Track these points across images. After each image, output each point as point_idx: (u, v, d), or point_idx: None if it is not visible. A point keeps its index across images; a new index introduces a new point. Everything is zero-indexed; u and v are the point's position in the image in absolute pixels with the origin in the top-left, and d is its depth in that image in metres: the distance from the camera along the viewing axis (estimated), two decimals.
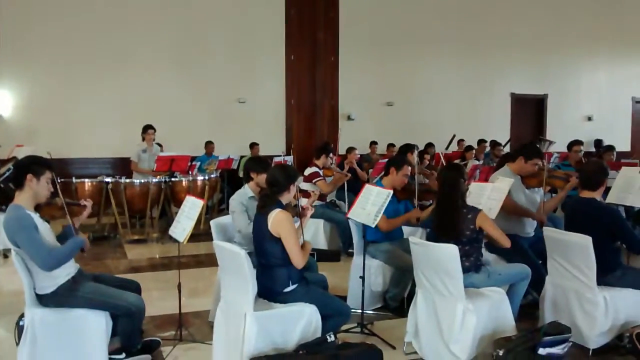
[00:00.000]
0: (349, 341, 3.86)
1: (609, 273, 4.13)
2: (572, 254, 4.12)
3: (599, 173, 4.32)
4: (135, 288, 4.01)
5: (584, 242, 3.98)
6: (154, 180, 8.08)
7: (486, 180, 5.89)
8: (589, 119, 15.06)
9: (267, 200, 3.76)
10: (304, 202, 4.51)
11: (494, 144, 11.53)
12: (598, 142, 14.07)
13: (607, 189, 4.96)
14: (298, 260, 3.65)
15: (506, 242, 4.12)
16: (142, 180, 8.05)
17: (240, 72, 11.79)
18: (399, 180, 5.09)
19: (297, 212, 4.05)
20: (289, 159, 10.43)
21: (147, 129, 8.68)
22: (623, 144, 15.10)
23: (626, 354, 3.97)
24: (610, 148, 8.83)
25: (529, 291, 4.59)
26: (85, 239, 3.71)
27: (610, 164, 7.74)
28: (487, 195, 4.66)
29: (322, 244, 6.96)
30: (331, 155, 7.51)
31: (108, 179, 8.01)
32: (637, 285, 4.17)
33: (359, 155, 10.13)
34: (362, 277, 4.52)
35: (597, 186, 4.28)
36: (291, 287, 3.70)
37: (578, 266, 4.08)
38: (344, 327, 4.22)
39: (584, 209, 4.28)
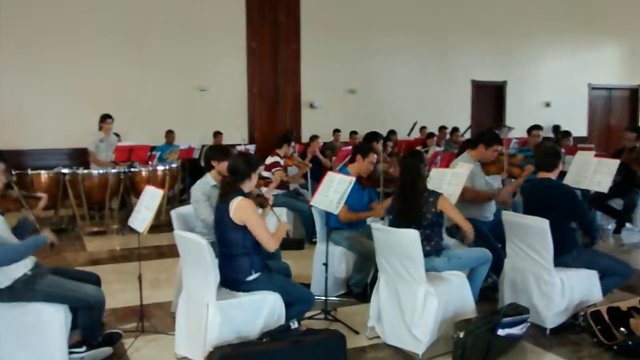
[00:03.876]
0: (313, 328, 3.87)
1: (565, 254, 4.24)
2: (530, 237, 4.22)
3: (552, 155, 4.43)
4: (95, 280, 3.95)
5: (541, 225, 4.08)
6: (113, 170, 7.94)
7: (447, 167, 5.96)
8: (547, 105, 15.34)
9: (228, 189, 3.73)
10: (264, 190, 4.50)
11: (453, 130, 11.75)
12: (556, 128, 14.39)
13: (564, 174, 5.08)
14: (269, 243, 3.63)
15: (467, 226, 4.19)
16: (101, 171, 7.90)
17: (200, 59, 11.61)
18: (365, 167, 5.12)
19: (260, 202, 4.03)
20: (251, 148, 10.39)
21: (105, 118, 8.50)
22: (580, 130, 15.49)
23: (581, 332, 4.09)
24: (567, 134, 9.06)
25: (489, 274, 4.68)
26: (48, 235, 3.60)
27: (567, 148, 7.94)
28: (448, 181, 4.73)
29: None
30: (292, 144, 7.51)
31: (65, 170, 7.83)
32: (592, 266, 4.30)
33: (322, 143, 10.15)
34: (326, 264, 4.54)
35: (551, 167, 4.39)
36: (254, 276, 3.69)
37: (536, 248, 4.19)
38: (308, 314, 4.23)
39: (541, 189, 4.39)
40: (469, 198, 4.95)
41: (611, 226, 7.63)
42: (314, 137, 9.75)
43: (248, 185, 3.79)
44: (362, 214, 5.02)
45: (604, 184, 5.01)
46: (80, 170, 7.83)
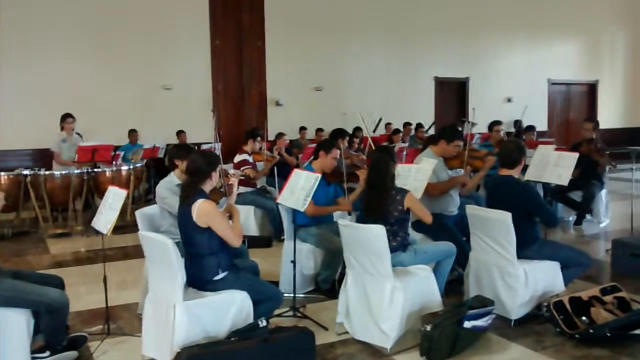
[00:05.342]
0: (282, 325, 3.87)
1: (528, 247, 4.32)
2: (493, 230, 4.29)
3: (516, 152, 4.49)
4: (59, 283, 3.88)
5: (504, 218, 4.15)
6: (76, 171, 7.80)
7: (412, 162, 6.02)
8: (509, 100, 15.61)
9: (189, 191, 3.69)
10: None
11: (418, 126, 11.89)
12: (517, 123, 14.62)
13: (526, 167, 5.18)
14: (234, 241, 3.66)
15: (428, 218, 4.27)
16: (63, 172, 7.76)
17: (164, 57, 11.46)
18: (329, 163, 5.13)
19: (223, 194, 4.00)
20: (217, 146, 10.29)
21: (66, 117, 8.37)
22: (541, 124, 15.80)
23: (544, 322, 4.17)
24: (531, 128, 9.25)
25: (455, 267, 4.74)
26: None
27: (529, 143, 8.11)
28: (413, 177, 4.78)
29: (253, 230, 6.93)
30: (259, 139, 7.49)
31: (26, 172, 7.65)
32: (554, 257, 4.40)
33: (288, 141, 10.14)
34: (294, 262, 4.55)
35: (514, 164, 4.46)
36: (221, 275, 3.68)
37: (499, 241, 4.26)
38: (277, 312, 4.24)
39: (503, 186, 4.46)
40: (436, 193, 5.03)
41: (572, 218, 7.81)
42: (279, 135, 9.74)
43: (209, 185, 3.77)
44: (328, 207, 5.04)
45: (564, 177, 5.13)
46: (42, 172, 7.66)
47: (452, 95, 15.21)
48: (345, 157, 5.55)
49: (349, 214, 5.11)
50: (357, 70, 13.49)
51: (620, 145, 9.90)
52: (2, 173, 7.63)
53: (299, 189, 4.41)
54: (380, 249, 3.87)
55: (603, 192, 7.71)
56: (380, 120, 12.70)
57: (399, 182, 4.49)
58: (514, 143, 4.72)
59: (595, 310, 4.09)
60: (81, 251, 6.99)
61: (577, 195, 7.51)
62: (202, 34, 11.87)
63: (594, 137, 7.45)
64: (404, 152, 8.56)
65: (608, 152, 7.40)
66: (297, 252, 4.62)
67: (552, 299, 4.11)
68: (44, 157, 9.35)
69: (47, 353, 3.66)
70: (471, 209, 4.53)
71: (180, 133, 10.93)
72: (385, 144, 9.80)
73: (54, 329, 3.65)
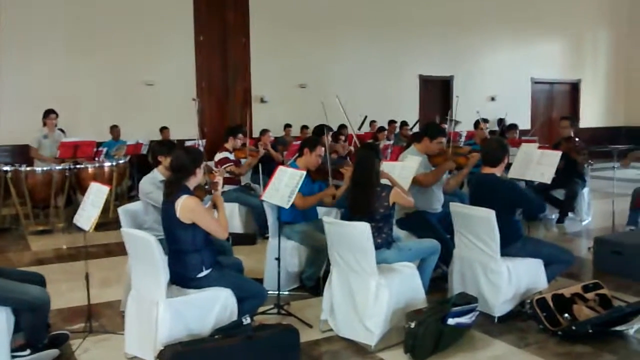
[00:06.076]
0: (266, 323, 3.86)
1: (511, 244, 4.35)
2: (477, 228, 4.31)
3: (498, 150, 4.52)
4: (40, 280, 3.83)
5: (488, 216, 4.17)
6: (58, 167, 7.70)
7: (397, 159, 6.03)
8: (493, 99, 15.70)
9: (172, 187, 3.66)
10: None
11: (402, 124, 11.93)
12: (500, 121, 14.72)
13: (509, 165, 5.21)
14: (220, 234, 3.69)
15: (412, 203, 4.37)
16: (45, 168, 7.65)
17: (146, 53, 11.35)
18: (313, 161, 5.11)
19: (208, 191, 3.98)
20: (201, 143, 10.22)
21: (48, 113, 8.26)
22: (524, 122, 15.91)
23: (527, 319, 4.21)
24: (513, 126, 9.32)
25: (439, 264, 4.76)
26: None
27: (512, 141, 8.15)
28: (398, 174, 4.79)
29: (237, 227, 6.90)
30: (240, 135, 7.44)
31: (7, 168, 7.55)
32: (537, 255, 4.44)
33: (273, 138, 10.11)
34: (278, 259, 4.54)
35: (497, 162, 4.48)
36: (205, 272, 3.65)
37: (483, 239, 4.28)
38: (261, 309, 4.22)
39: (486, 184, 4.49)
40: (429, 182, 5.05)
41: (554, 216, 7.87)
42: (264, 131, 9.72)
43: (193, 181, 3.74)
44: (315, 196, 5.01)
45: (547, 175, 5.16)
46: (23, 168, 7.56)
47: (437, 93, 15.27)
48: (331, 152, 5.52)
49: (333, 198, 5.03)
50: (341, 67, 13.47)
51: (602, 144, 10.00)
52: None
53: (284, 186, 4.40)
54: (364, 246, 3.87)
55: (585, 190, 7.78)
56: (365, 118, 12.71)
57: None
58: (497, 141, 4.74)
59: (578, 307, 4.13)
60: (63, 248, 6.91)
61: (559, 194, 7.57)
62: (186, 30, 11.77)
63: (571, 135, 7.51)
64: (389, 150, 8.58)
65: (586, 151, 7.45)
66: (282, 250, 4.61)
67: (535, 296, 4.14)
68: (23, 153, 9.22)
69: (28, 351, 3.61)
70: (455, 207, 4.55)
71: (163, 129, 10.86)
72: (370, 141, 9.82)
73: (34, 327, 3.60)
